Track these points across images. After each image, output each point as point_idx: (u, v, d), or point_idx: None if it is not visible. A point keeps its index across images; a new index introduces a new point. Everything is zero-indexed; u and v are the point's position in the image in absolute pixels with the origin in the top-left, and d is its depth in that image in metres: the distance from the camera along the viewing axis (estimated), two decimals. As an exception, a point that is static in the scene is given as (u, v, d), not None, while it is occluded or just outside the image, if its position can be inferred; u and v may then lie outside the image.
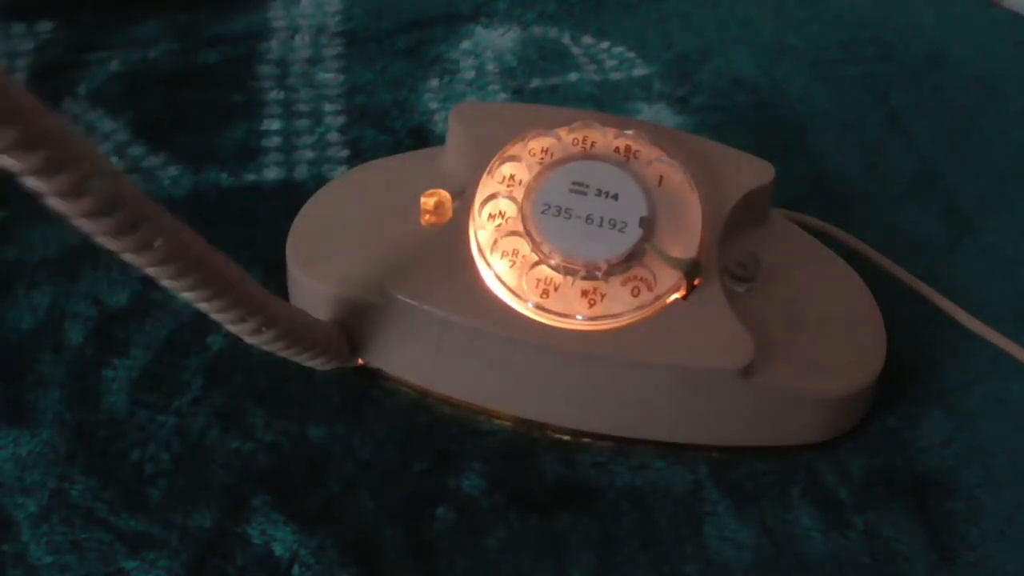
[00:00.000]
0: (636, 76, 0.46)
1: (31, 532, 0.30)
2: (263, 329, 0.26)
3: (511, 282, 0.30)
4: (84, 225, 0.19)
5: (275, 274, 0.35)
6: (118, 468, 0.32)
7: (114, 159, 0.41)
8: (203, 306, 0.24)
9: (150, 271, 0.21)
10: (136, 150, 0.42)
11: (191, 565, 0.29)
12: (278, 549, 0.30)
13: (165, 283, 0.22)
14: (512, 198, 0.31)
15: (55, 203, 0.18)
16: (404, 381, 0.34)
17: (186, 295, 0.23)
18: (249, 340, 0.26)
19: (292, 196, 0.36)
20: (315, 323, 0.30)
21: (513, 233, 0.30)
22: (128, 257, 0.21)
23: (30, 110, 0.17)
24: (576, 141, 0.32)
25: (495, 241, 0.30)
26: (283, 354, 0.28)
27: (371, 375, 0.34)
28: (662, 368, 0.29)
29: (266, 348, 0.27)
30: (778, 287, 0.32)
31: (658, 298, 0.29)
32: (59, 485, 0.31)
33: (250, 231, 0.39)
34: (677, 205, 0.31)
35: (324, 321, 0.31)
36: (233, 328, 0.25)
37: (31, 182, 0.18)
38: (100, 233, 0.20)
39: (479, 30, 0.48)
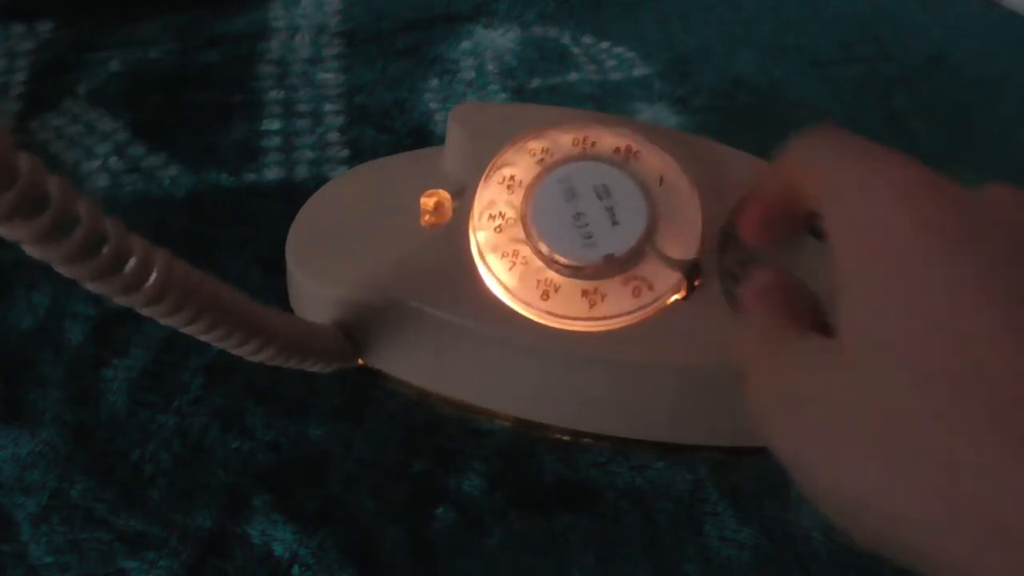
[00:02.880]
0: (636, 76, 0.46)
1: (31, 532, 0.30)
2: (265, 348, 0.26)
3: (511, 283, 0.30)
4: (65, 270, 0.19)
5: (275, 274, 0.35)
6: (118, 468, 0.32)
7: (114, 159, 0.41)
8: (202, 336, 0.24)
9: (141, 309, 0.21)
10: (136, 150, 0.42)
11: (191, 565, 0.29)
12: (278, 549, 0.30)
13: (161, 320, 0.22)
14: (512, 199, 0.31)
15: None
16: (404, 382, 0.34)
17: (184, 329, 0.23)
18: (252, 359, 0.26)
19: (292, 196, 0.36)
20: (316, 331, 0.30)
21: (513, 234, 0.30)
22: (123, 300, 0.20)
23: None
24: (576, 141, 0.32)
25: (495, 242, 0.30)
26: (286, 365, 0.28)
27: (371, 375, 0.34)
28: (662, 369, 0.29)
29: (269, 363, 0.27)
30: (778, 287, 0.32)
31: (658, 299, 0.29)
32: (59, 485, 0.31)
33: (250, 231, 0.39)
34: (677, 205, 0.31)
35: (325, 326, 0.31)
36: (235, 351, 0.25)
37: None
38: (92, 282, 0.19)
39: (479, 30, 0.48)
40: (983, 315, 0.18)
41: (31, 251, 0.18)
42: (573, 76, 0.46)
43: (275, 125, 0.43)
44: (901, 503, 0.19)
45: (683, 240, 0.30)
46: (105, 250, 0.19)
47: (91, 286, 0.19)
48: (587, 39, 0.48)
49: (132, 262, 0.19)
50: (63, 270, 0.18)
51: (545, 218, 0.30)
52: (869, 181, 0.21)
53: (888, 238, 0.20)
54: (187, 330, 0.23)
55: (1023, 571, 0.17)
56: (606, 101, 0.45)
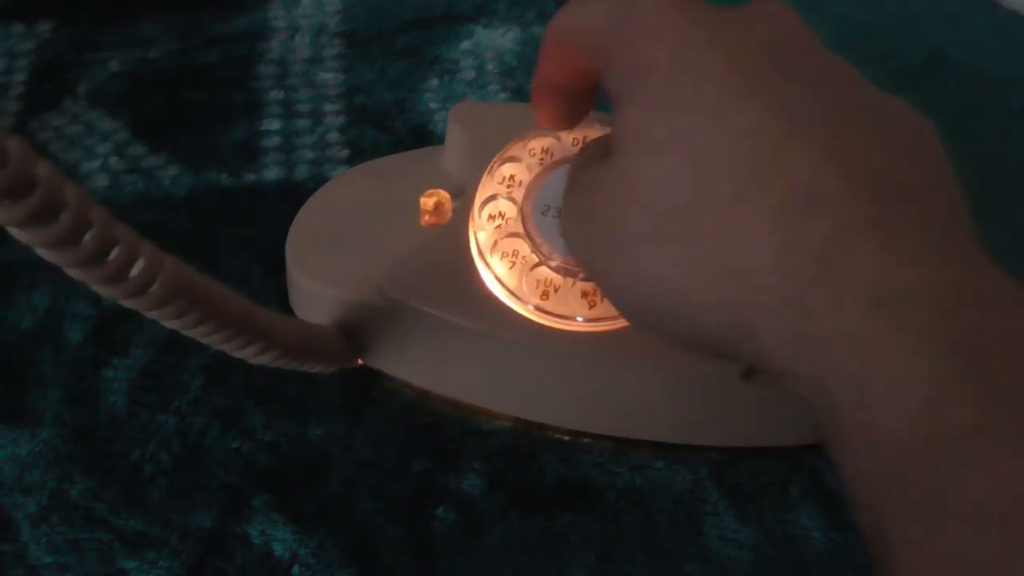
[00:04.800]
0: (636, 76, 0.46)
1: (31, 532, 0.30)
2: (267, 351, 0.26)
3: (511, 284, 0.30)
4: (76, 274, 0.19)
5: (275, 274, 0.35)
6: (118, 468, 0.32)
7: (114, 159, 0.41)
8: (204, 339, 0.24)
9: (145, 312, 0.21)
10: (136, 150, 0.42)
11: (191, 565, 0.29)
12: (278, 549, 0.30)
13: (165, 323, 0.22)
14: (512, 199, 0.31)
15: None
16: (404, 382, 0.34)
17: (187, 332, 0.23)
18: (254, 361, 0.26)
19: (292, 196, 0.36)
20: (317, 332, 0.30)
21: (513, 234, 0.30)
22: (124, 302, 0.20)
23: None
24: (576, 141, 0.32)
25: (495, 242, 0.30)
26: (287, 367, 0.28)
27: (371, 375, 0.34)
28: (662, 370, 0.29)
29: (271, 365, 0.27)
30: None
31: (658, 298, 0.29)
32: (59, 485, 0.31)
33: (250, 231, 0.39)
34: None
35: (325, 327, 0.31)
36: (236, 354, 0.25)
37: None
38: (92, 281, 0.19)
39: (479, 30, 0.48)
40: (735, 108, 0.20)
41: (43, 254, 0.18)
42: (573, 76, 0.46)
43: (275, 125, 0.43)
44: (680, 275, 0.20)
45: (683, 240, 0.30)
46: (113, 255, 0.19)
47: (99, 290, 0.19)
48: (587, 39, 0.48)
49: (138, 266, 0.19)
50: (74, 274, 0.19)
51: (545, 218, 0.30)
52: (627, 16, 0.22)
53: (648, 56, 0.21)
54: (190, 333, 0.23)
55: (792, 330, 0.18)
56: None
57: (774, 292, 0.18)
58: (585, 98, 0.27)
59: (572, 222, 0.24)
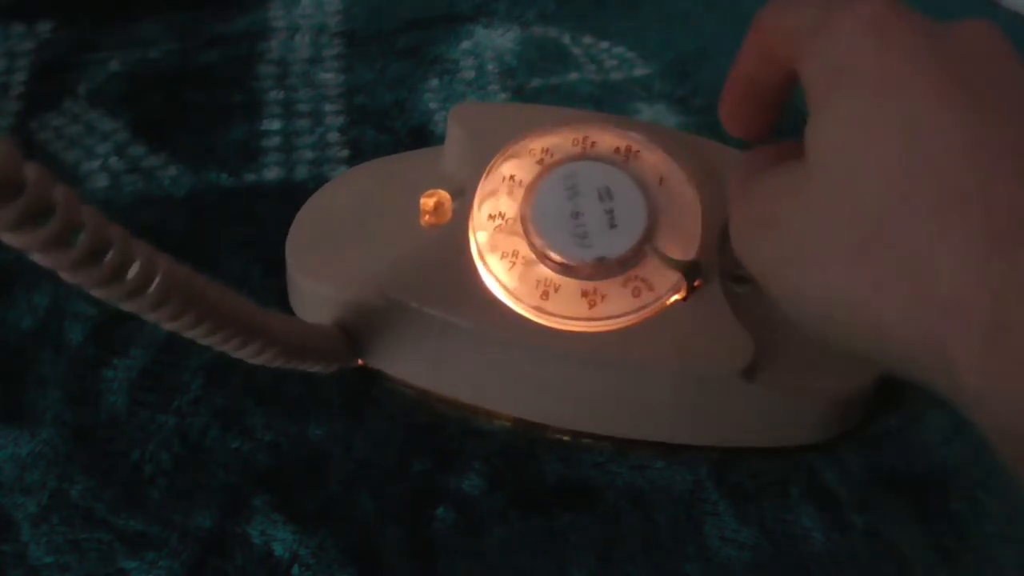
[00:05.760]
0: (636, 76, 0.46)
1: (31, 532, 0.30)
2: (266, 351, 0.26)
3: (511, 284, 0.30)
4: (71, 277, 0.19)
5: (275, 274, 0.35)
6: (118, 468, 0.32)
7: (114, 159, 0.41)
8: (203, 340, 0.24)
9: (143, 314, 0.21)
10: (136, 150, 0.42)
11: (191, 565, 0.29)
12: (278, 549, 0.30)
13: (163, 324, 0.22)
14: (511, 199, 0.31)
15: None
16: (404, 382, 0.34)
17: (185, 333, 0.23)
18: (253, 361, 0.26)
19: (292, 196, 0.36)
20: (316, 332, 0.30)
21: (512, 234, 0.30)
22: (122, 304, 0.20)
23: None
24: (576, 141, 0.32)
25: (494, 242, 0.30)
26: (287, 366, 0.28)
27: (371, 375, 0.34)
28: (662, 370, 0.29)
29: (270, 364, 0.27)
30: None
31: (658, 299, 0.29)
32: (59, 485, 0.31)
33: (250, 231, 0.39)
34: (677, 205, 0.31)
35: (325, 326, 0.31)
36: (235, 354, 0.25)
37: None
38: (95, 288, 0.19)
39: (479, 30, 0.48)
40: (944, 124, 0.19)
41: (36, 258, 0.18)
42: (573, 76, 0.46)
43: (275, 125, 0.43)
44: (871, 296, 0.20)
45: (683, 240, 0.30)
46: (108, 257, 0.19)
47: (94, 292, 0.19)
48: (587, 39, 0.48)
49: (135, 268, 0.19)
50: (67, 276, 0.18)
51: (544, 217, 0.30)
52: (837, 16, 0.21)
53: (853, 61, 0.21)
54: (189, 334, 0.23)
55: (998, 355, 0.18)
56: (606, 101, 0.45)
57: (979, 319, 0.18)
58: (775, 105, 0.26)
59: (749, 228, 0.23)
